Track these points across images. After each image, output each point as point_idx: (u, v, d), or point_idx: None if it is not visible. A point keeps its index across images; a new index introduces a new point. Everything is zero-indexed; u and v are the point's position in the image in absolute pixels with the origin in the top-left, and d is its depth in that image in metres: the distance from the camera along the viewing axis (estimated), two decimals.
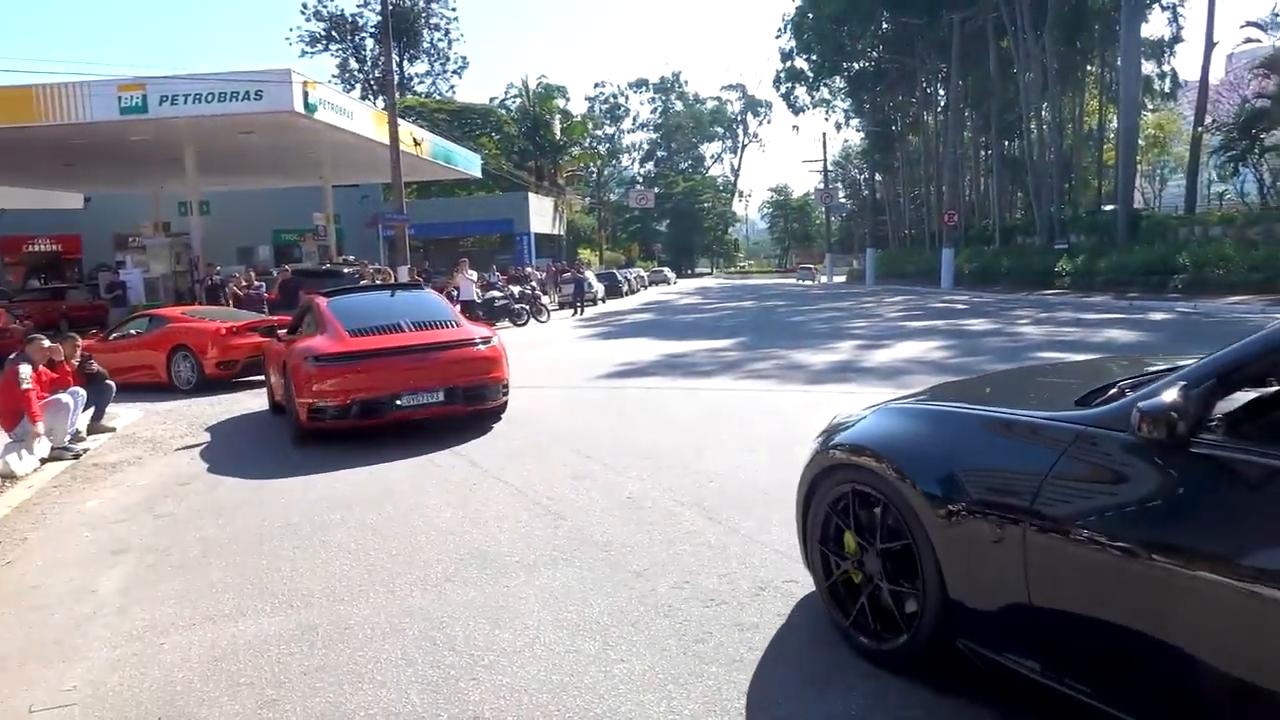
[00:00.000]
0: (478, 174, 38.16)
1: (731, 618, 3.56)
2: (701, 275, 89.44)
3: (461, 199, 50.03)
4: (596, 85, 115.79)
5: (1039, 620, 2.50)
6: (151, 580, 4.53)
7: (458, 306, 20.82)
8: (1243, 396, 2.32)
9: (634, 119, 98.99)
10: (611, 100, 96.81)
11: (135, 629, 3.89)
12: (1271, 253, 20.24)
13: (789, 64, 54.16)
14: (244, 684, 3.27)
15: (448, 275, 24.56)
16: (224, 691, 3.23)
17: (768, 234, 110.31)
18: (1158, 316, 17.07)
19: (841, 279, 54.93)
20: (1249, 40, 36.26)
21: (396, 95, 25.80)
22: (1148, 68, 37.53)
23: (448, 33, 67.06)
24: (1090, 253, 27.74)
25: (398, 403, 7.65)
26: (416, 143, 26.67)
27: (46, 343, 8.57)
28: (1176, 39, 38.99)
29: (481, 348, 8.13)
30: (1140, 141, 37.26)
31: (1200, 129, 32.65)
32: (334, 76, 61.77)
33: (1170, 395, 2.24)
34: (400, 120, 24.05)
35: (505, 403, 8.38)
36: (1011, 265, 31.80)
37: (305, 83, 19.79)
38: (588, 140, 76.40)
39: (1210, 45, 31.72)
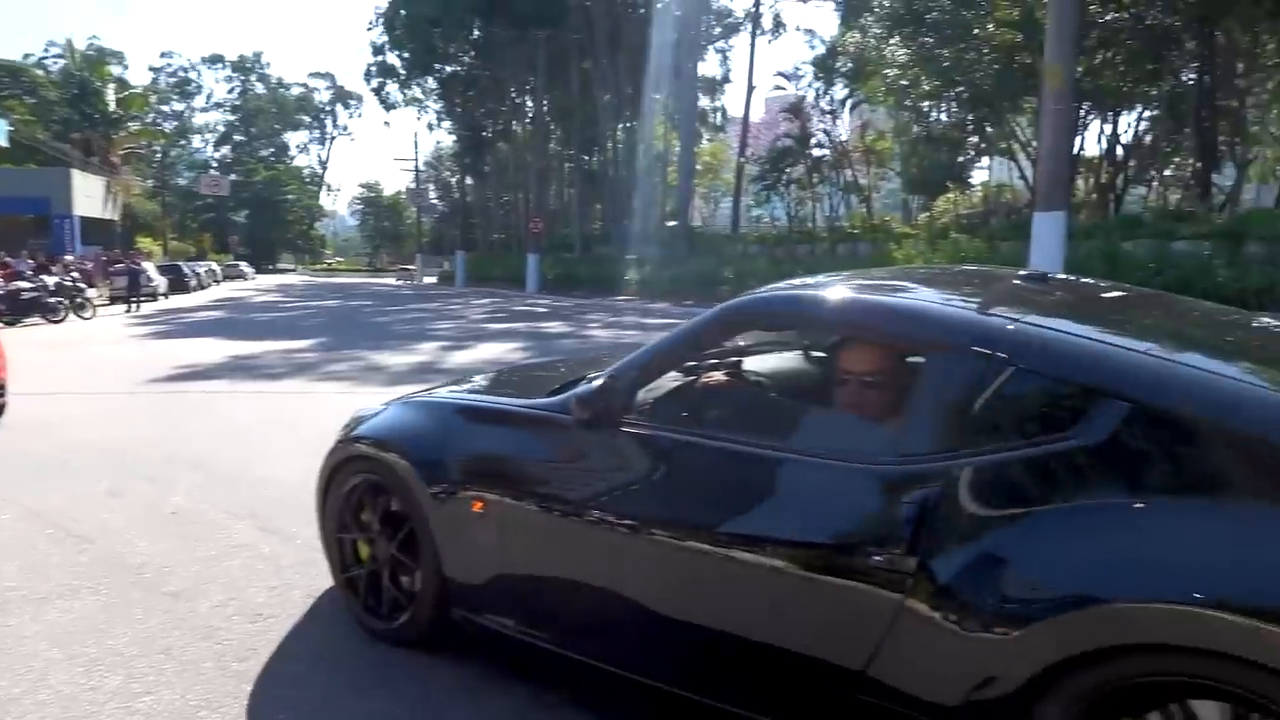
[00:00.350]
0: (3, 142, 32.21)
1: (280, 631, 3.41)
2: (285, 271, 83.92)
3: None
4: (163, 55, 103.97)
5: (511, 584, 2.87)
6: None
7: None
8: (668, 384, 2.83)
9: (208, 98, 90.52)
10: (181, 74, 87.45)
11: None
12: (793, 268, 24.05)
13: (380, 59, 52.94)
14: None
15: None
16: None
17: (358, 231, 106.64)
18: None
19: (433, 280, 54.85)
20: (778, 88, 42.69)
21: None
22: (703, 102, 42.55)
23: None
24: (656, 263, 30.76)
25: None
26: None
27: None
28: (725, 79, 44.74)
29: None
30: (697, 167, 42.09)
31: (742, 160, 37.74)
32: None
33: (597, 384, 2.67)
34: None
35: (3, 404, 7.49)
36: (590, 272, 34.17)
37: None
38: (150, 116, 68.18)
39: (751, 88, 37.00)
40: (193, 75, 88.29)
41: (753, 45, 37.53)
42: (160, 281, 31.71)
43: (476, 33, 46.67)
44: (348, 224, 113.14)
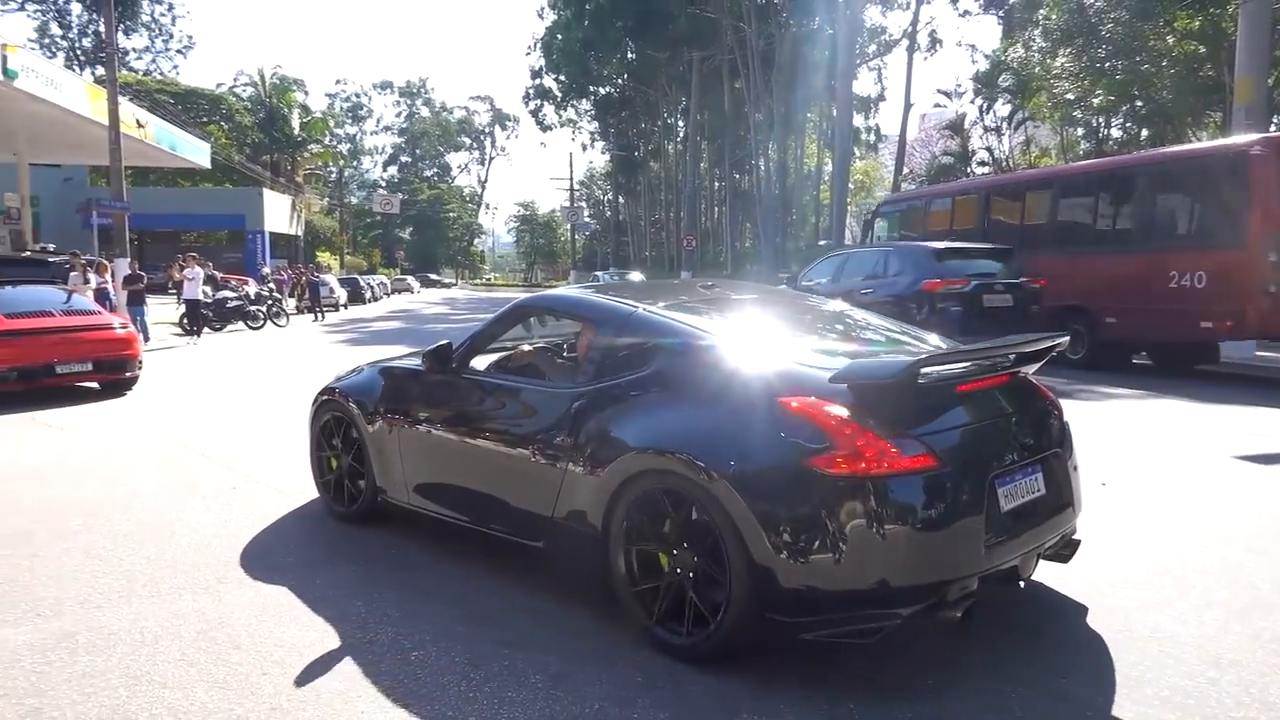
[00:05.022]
0: (206, 164, 35.20)
1: (513, 601, 3.80)
2: (447, 286, 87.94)
3: (186, 190, 46.13)
4: (338, 82, 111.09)
5: (406, 475, 4.58)
6: None
7: (181, 306, 19.40)
8: (488, 351, 4.71)
9: (378, 121, 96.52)
10: (354, 99, 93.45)
11: None
12: None
13: (538, 82, 55.03)
14: None
15: (166, 271, 22.67)
16: None
17: (514, 248, 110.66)
18: None
19: None
20: (938, 105, 41.69)
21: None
22: (858, 120, 42.03)
23: (171, 6, 61.88)
24: None
25: (56, 370, 9.60)
26: (140, 124, 24.33)
27: None
28: (881, 98, 44.12)
29: (119, 331, 10.43)
30: (850, 185, 41.55)
31: (900, 178, 37.01)
32: (31, 41, 54.74)
33: (433, 349, 4.41)
34: (120, 98, 21.83)
35: (139, 375, 10.59)
36: None
37: (3, 45, 17.55)
38: (329, 138, 73.05)
39: (908, 106, 36.16)
40: (364, 100, 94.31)
41: (910, 62, 36.72)
42: (341, 294, 34.01)
43: (630, 55, 47.80)
44: (504, 241, 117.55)
